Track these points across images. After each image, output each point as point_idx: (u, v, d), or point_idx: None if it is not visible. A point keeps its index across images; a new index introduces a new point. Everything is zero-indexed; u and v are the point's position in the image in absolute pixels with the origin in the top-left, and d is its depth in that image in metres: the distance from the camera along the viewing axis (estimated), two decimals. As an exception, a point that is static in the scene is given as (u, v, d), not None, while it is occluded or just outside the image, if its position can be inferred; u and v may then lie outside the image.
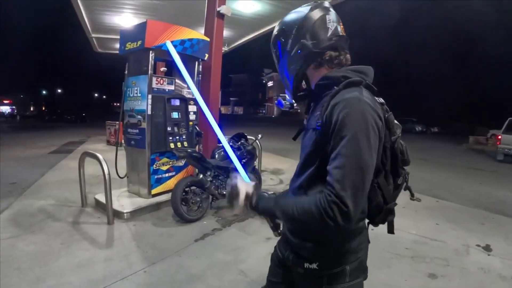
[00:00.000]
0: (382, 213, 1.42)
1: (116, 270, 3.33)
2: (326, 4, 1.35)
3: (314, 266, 1.28)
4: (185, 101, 5.54)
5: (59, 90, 79.14)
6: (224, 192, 4.98)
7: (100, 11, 9.95)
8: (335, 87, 1.17)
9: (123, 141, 6.12)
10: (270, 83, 74.12)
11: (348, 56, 1.34)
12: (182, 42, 5.23)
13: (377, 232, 4.14)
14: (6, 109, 66.81)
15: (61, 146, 13.47)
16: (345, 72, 1.25)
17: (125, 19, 10.19)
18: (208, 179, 4.83)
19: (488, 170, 11.14)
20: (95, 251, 3.75)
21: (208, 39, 5.90)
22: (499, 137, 13.43)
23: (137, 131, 5.16)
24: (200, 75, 5.97)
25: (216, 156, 5.36)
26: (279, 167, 9.19)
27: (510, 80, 36.75)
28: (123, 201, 5.12)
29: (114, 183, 4.82)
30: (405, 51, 58.93)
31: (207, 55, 5.82)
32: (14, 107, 68.99)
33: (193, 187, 4.75)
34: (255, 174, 5.91)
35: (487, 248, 4.15)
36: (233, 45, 12.70)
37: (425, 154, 14.93)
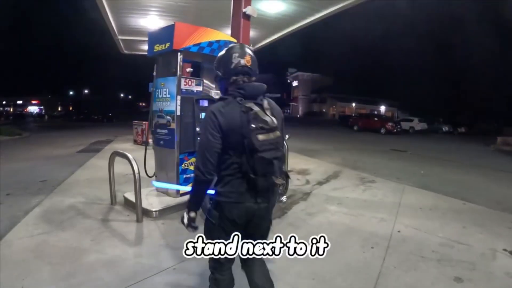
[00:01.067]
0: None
1: (146, 267, 3.38)
2: (236, 45, 2.12)
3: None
4: (213, 102, 5.55)
5: (86, 91, 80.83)
6: None
7: (126, 14, 10.15)
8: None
9: (150, 140, 6.19)
10: (295, 83, 73.88)
11: (245, 78, 2.06)
12: (210, 43, 5.26)
13: (404, 235, 4.08)
14: (34, 109, 68.82)
15: (89, 145, 13.79)
16: (231, 91, 2.04)
17: (151, 21, 10.35)
18: None
19: (519, 173, 10.79)
20: (125, 248, 3.81)
21: (235, 41, 5.92)
22: None
23: (166, 131, 5.22)
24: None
25: None
26: (306, 167, 9.13)
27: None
28: (151, 200, 5.19)
29: (142, 182, 4.88)
30: (434, 51, 57.82)
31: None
32: (42, 107, 70.92)
33: None
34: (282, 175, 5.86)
35: (514, 253, 4.03)
36: (258, 46, 12.71)
37: (452, 155, 14.75)
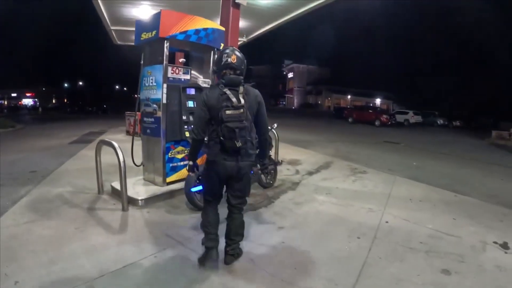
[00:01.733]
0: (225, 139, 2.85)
1: (127, 254, 3.38)
2: (228, 48, 3.05)
3: None
4: (200, 90, 5.52)
5: (81, 83, 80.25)
6: None
7: (118, 4, 10.04)
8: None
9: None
10: (290, 74, 73.33)
11: (231, 72, 2.94)
12: (197, 31, 5.22)
13: (392, 226, 4.45)
14: (28, 101, 68.22)
15: (82, 136, 13.71)
16: (219, 81, 2.97)
17: (143, 11, 10.24)
18: None
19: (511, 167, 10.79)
20: (108, 236, 3.81)
21: (223, 29, 5.87)
22: None
23: (152, 119, 5.20)
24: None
25: None
26: (297, 158, 9.13)
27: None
28: (138, 189, 5.18)
29: (130, 171, 4.88)
30: (430, 43, 57.80)
31: (222, 45, 5.80)
32: (36, 99, 70.38)
33: None
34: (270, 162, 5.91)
35: (505, 246, 3.98)
36: (251, 36, 12.61)
37: (447, 148, 14.75)
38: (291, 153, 9.75)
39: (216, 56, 5.80)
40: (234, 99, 2.80)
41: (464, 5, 48.20)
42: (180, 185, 5.24)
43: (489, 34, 44.47)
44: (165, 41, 4.93)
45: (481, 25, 45.25)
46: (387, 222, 4.54)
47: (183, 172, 5.37)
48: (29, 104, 64.60)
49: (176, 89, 5.20)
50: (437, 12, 58.88)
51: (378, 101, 58.15)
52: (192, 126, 3.27)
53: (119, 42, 15.65)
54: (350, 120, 30.30)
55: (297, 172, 7.54)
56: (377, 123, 27.38)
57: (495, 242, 4.06)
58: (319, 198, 5.59)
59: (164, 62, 4.97)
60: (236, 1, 6.43)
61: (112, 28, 12.78)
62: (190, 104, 5.38)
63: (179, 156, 5.39)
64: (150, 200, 4.89)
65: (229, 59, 2.90)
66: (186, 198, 4.59)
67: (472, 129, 29.96)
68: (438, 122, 34.62)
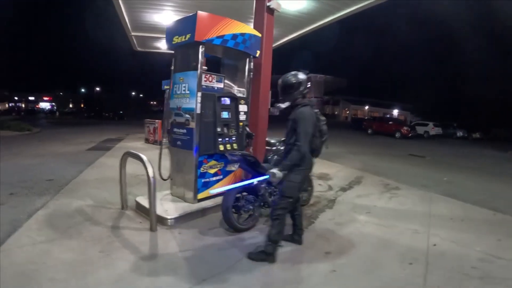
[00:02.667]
0: (316, 152, 3.55)
1: (162, 286, 2.96)
2: (305, 75, 3.72)
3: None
4: (235, 100, 5.13)
5: (98, 88, 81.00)
6: None
7: (140, 9, 9.73)
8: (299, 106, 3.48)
9: (165, 140, 5.70)
10: (307, 85, 73.19)
11: (308, 95, 3.87)
12: (234, 36, 4.82)
13: (441, 250, 4.09)
14: (46, 105, 69.18)
15: (100, 143, 13.46)
16: (307, 101, 3.55)
17: (166, 17, 9.95)
18: (262, 185, 4.40)
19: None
20: (138, 262, 3.37)
21: (260, 35, 5.48)
22: None
23: (184, 131, 4.76)
24: (251, 73, 5.51)
25: (270, 160, 4.92)
26: (326, 172, 8.71)
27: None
28: (166, 206, 4.74)
29: (157, 185, 4.47)
30: (449, 51, 57.08)
31: (258, 52, 5.40)
32: (53, 103, 71.27)
33: (245, 194, 4.31)
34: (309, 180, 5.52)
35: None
36: (276, 44, 12.20)
37: (472, 162, 14.44)
38: (319, 167, 9.26)
39: (252, 63, 5.42)
40: (322, 117, 3.56)
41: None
42: (213, 202, 4.82)
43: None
44: (201, 46, 4.53)
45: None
46: (435, 245, 4.21)
47: (215, 188, 4.92)
48: (46, 108, 65.45)
49: (211, 98, 4.77)
50: (450, 19, 58.13)
51: (395, 112, 57.40)
52: (299, 143, 3.27)
53: (139, 49, 15.41)
54: (369, 131, 29.75)
55: (330, 188, 7.12)
56: (397, 135, 26.78)
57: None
58: (360, 218, 5.18)
59: (199, 69, 4.56)
60: (271, 6, 6.03)
61: (133, 34, 12.51)
62: (225, 115, 4.96)
63: (212, 171, 4.93)
64: (181, 219, 4.43)
65: (308, 84, 3.59)
66: (224, 217, 4.13)
67: (492, 141, 29.58)
68: (458, 134, 33.91)
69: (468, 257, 3.89)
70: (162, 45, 13.18)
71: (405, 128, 27.67)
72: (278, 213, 3.44)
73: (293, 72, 3.60)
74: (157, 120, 12.75)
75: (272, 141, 6.88)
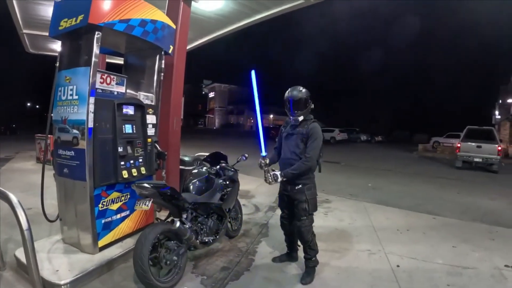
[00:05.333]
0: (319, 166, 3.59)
1: None
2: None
3: (300, 186, 3.43)
4: (142, 108, 3.92)
5: (-16, 97, 71.32)
6: (206, 240, 3.58)
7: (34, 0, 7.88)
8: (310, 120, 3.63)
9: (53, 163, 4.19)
10: (211, 94, 72.31)
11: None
12: (143, 23, 3.66)
13: (406, 270, 3.82)
14: None
15: (-21, 165, 10.92)
16: (311, 116, 3.71)
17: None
18: (186, 225, 3.29)
19: (453, 178, 11.65)
20: None
21: (174, 27, 4.37)
22: (459, 145, 14.36)
23: (72, 153, 3.35)
24: (162, 74, 4.32)
25: (191, 187, 3.83)
26: (246, 189, 7.75)
27: (447, 91, 39.98)
28: (56, 262, 3.27)
29: (41, 225, 3.15)
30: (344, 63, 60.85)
31: (171, 48, 4.30)
32: None
33: (164, 240, 3.16)
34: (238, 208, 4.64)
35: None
36: (188, 47, 11.02)
37: (386, 164, 15.37)
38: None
39: (163, 61, 4.27)
40: None
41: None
42: (121, 248, 3.57)
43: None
44: (97, 32, 3.27)
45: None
46: (398, 266, 3.93)
47: (122, 228, 3.71)
48: None
49: (109, 106, 3.49)
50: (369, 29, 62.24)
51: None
52: (308, 155, 3.31)
53: (32, 51, 12.93)
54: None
55: (257, 208, 6.25)
56: (305, 141, 27.24)
57: (507, 266, 3.96)
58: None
59: (92, 63, 3.26)
60: (188, -3, 4.97)
61: (25, 31, 10.29)
62: (128, 129, 3.72)
63: (114, 207, 3.62)
64: (79, 281, 3.05)
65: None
66: (138, 277, 2.91)
67: (392, 143, 33.01)
68: (362, 138, 36.32)
69: (437, 273, 3.75)
70: (59, 47, 11.16)
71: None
72: (309, 229, 3.54)
73: (300, 87, 3.63)
74: (49, 136, 10.53)
75: (186, 159, 5.77)
